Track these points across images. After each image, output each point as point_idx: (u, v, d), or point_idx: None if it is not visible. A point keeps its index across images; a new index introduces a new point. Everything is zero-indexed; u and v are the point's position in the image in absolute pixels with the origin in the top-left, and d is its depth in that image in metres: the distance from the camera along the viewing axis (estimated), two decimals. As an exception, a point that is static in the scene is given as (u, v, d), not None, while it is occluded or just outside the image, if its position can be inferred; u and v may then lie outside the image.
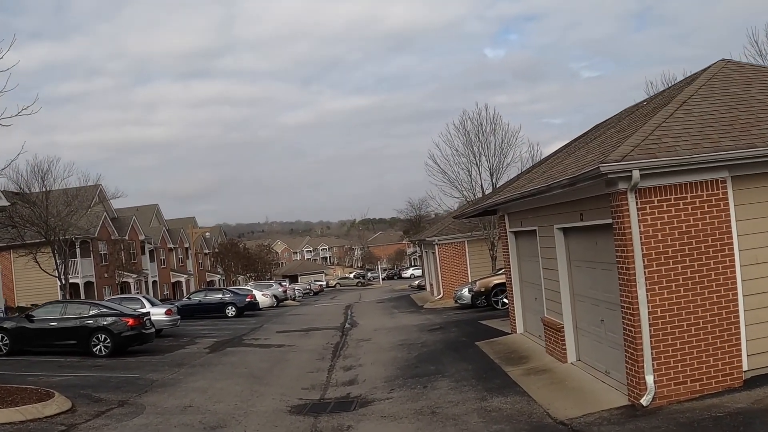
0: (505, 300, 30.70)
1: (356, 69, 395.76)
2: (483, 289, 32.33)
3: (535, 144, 67.30)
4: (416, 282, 75.85)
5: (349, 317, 39.51)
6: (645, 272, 11.18)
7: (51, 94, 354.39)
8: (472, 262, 42.72)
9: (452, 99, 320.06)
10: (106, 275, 59.00)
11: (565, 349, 15.28)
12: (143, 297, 32.53)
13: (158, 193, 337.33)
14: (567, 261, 15.20)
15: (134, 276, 63.32)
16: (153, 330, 25.71)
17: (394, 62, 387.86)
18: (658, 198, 11.35)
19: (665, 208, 11.35)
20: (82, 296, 53.63)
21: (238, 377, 18.91)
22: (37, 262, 42.81)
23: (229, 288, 53.54)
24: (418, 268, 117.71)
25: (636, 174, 10.88)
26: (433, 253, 45.89)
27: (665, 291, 11.23)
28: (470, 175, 42.10)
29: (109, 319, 23.87)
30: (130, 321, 23.94)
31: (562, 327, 15.30)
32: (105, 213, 62.10)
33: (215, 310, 43.82)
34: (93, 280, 57.79)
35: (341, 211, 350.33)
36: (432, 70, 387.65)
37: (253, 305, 45.47)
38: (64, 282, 42.80)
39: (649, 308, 11.15)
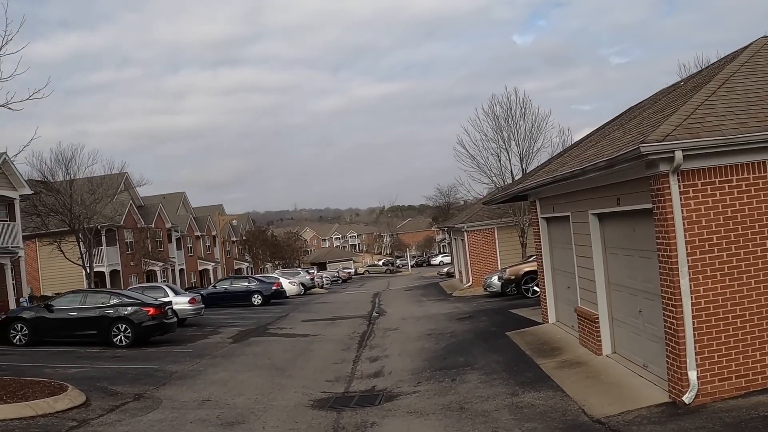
0: (535, 288, 29.94)
1: (385, 55, 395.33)
2: (513, 277, 31.57)
3: (566, 129, 66.06)
4: (445, 269, 75.12)
5: (376, 305, 38.92)
6: (688, 260, 10.41)
7: (80, 83, 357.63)
8: (501, 249, 41.91)
9: (481, 85, 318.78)
10: (132, 263, 58.78)
11: (599, 341, 14.53)
12: (166, 285, 32.14)
13: (187, 182, 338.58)
14: (602, 248, 14.44)
15: (160, 264, 63.08)
16: (175, 320, 25.24)
17: (423, 48, 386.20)
18: (702, 181, 10.57)
19: (709, 192, 10.56)
20: (108, 285, 53.44)
21: (260, 369, 18.35)
22: (61, 250, 42.58)
23: (255, 276, 53.16)
24: (447, 256, 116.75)
25: (679, 155, 10.10)
26: (462, 240, 45.13)
27: (709, 281, 10.46)
28: (500, 161, 41.25)
29: (130, 309, 23.43)
30: (151, 311, 23.49)
31: (597, 318, 14.54)
32: (131, 201, 61.87)
33: (241, 299, 43.41)
34: (119, 268, 57.56)
35: (370, 198, 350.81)
36: (461, 56, 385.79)
37: (280, 293, 45.01)
38: (89, 271, 42.55)
39: (692, 299, 10.39)
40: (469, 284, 42.77)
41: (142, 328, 23.20)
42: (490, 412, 11.77)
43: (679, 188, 10.46)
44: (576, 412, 11.11)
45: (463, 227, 42.68)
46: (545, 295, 19.78)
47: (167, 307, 24.66)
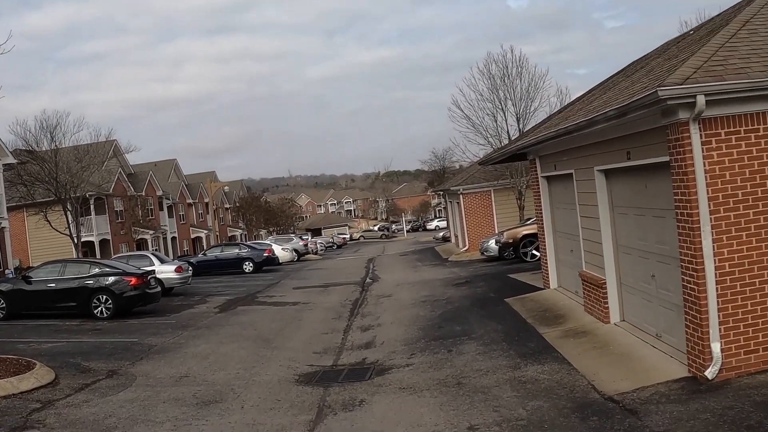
0: (534, 252, 28.97)
1: (381, 21, 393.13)
2: (511, 241, 30.49)
3: (564, 87, 64.74)
4: (441, 234, 74.20)
5: (370, 271, 37.87)
6: (711, 219, 9.27)
7: (77, 53, 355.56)
8: (498, 212, 40.78)
9: (477, 49, 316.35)
10: (122, 232, 57.67)
11: (607, 308, 13.47)
12: (152, 254, 31.03)
13: (182, 150, 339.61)
14: (609, 208, 13.32)
15: (151, 232, 61.98)
16: (158, 289, 24.20)
17: (418, 13, 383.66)
18: (726, 130, 9.39)
19: (734, 143, 9.39)
20: (98, 254, 52.42)
21: (245, 340, 17.31)
22: (47, 220, 41.41)
23: (247, 243, 51.99)
24: (442, 220, 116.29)
25: (701, 100, 8.92)
26: (457, 203, 43.97)
27: (734, 242, 9.33)
28: (495, 121, 40.00)
29: (111, 279, 22.41)
30: (133, 280, 22.44)
31: (604, 283, 13.47)
32: (120, 169, 60.63)
33: (232, 266, 42.38)
34: (108, 237, 56.49)
35: (366, 164, 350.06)
36: (456, 21, 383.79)
37: (272, 260, 43.93)
38: (76, 241, 41.43)
39: (715, 262, 9.27)
40: (465, 248, 41.70)
41: (124, 298, 22.17)
42: (490, 388, 10.70)
43: (701, 138, 9.30)
44: (585, 389, 10.03)
45: (459, 190, 41.48)
46: (546, 259, 18.71)
47: (150, 277, 23.58)
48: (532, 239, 29.45)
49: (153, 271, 24.62)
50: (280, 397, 11.61)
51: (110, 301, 21.97)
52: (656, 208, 11.05)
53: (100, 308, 21.92)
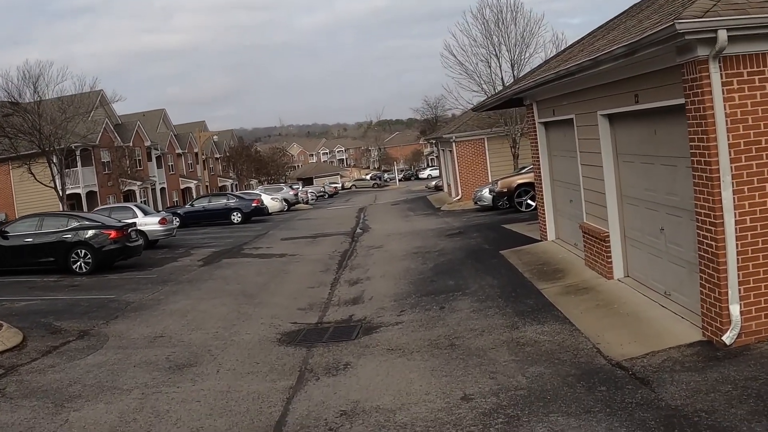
0: (529, 202, 28.15)
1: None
2: (505, 190, 29.56)
3: (560, 33, 63.12)
4: (433, 183, 73.48)
5: (361, 221, 36.99)
6: (732, 168, 8.35)
7: (69, 4, 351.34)
8: (492, 161, 39.83)
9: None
10: (109, 184, 56.45)
11: (610, 263, 12.62)
12: (135, 205, 30.04)
13: (174, 101, 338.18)
14: (613, 155, 12.41)
15: (139, 183, 60.85)
16: (140, 242, 23.35)
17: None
18: (748, 70, 8.42)
19: (757, 84, 8.42)
20: (84, 207, 51.37)
21: (226, 296, 16.48)
22: (32, 173, 40.24)
23: (235, 193, 50.98)
24: (435, 169, 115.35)
25: (723, 35, 7.94)
26: (450, 151, 42.97)
27: (756, 193, 8.42)
28: (489, 67, 38.71)
29: (90, 233, 21.49)
30: (113, 233, 21.54)
31: (607, 236, 12.60)
32: (107, 119, 59.35)
33: (220, 217, 41.49)
34: (95, 189, 55.40)
35: (358, 113, 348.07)
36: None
37: (260, 210, 42.99)
38: (61, 194, 40.40)
39: (736, 216, 8.37)
40: (458, 198, 40.83)
41: (103, 252, 21.31)
42: (486, 351, 9.88)
43: (721, 79, 8.33)
44: (590, 353, 9.19)
45: (452, 137, 40.43)
46: (544, 210, 17.83)
47: (131, 230, 22.65)
48: (527, 188, 28.62)
49: (134, 224, 23.69)
50: (260, 360, 10.80)
51: (89, 256, 21.13)
52: (667, 156, 10.14)
53: (78, 263, 21.07)
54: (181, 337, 12.66)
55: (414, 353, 10.28)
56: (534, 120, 17.53)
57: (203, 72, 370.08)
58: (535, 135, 17.64)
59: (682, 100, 8.90)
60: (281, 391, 9.16)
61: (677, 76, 8.92)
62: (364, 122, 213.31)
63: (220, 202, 42.70)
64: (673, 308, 10.14)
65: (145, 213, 29.26)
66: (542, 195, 17.77)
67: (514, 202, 29.17)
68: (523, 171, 31.64)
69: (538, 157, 17.65)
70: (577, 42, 18.12)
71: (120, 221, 23.73)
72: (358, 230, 31.30)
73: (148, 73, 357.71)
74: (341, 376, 9.59)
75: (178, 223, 40.29)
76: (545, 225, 17.77)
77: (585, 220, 14.03)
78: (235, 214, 41.34)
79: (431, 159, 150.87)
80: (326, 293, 16.15)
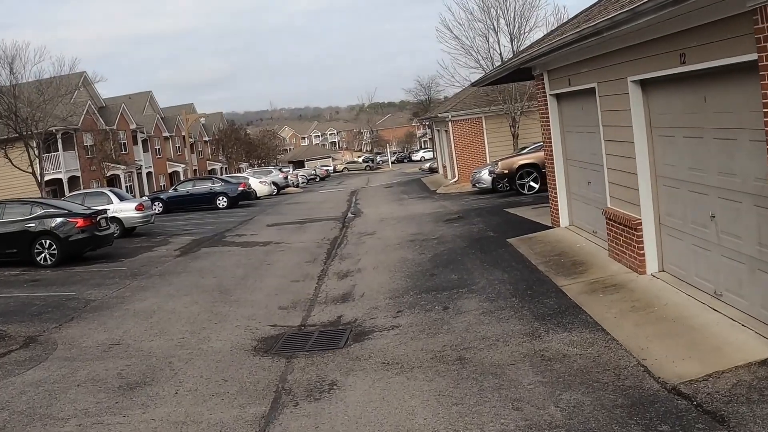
0: (532, 184, 26.36)
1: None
2: (506, 171, 27.64)
3: (562, 6, 61.02)
4: (427, 165, 71.58)
5: (352, 205, 35.08)
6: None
7: None
8: (490, 141, 37.88)
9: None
10: (92, 168, 54.32)
11: (642, 255, 10.76)
12: (110, 191, 28.04)
13: (166, 85, 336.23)
14: (647, 129, 10.53)
15: (123, 167, 58.80)
16: (111, 231, 21.54)
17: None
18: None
19: None
20: (66, 192, 49.34)
21: (200, 292, 14.62)
22: (8, 158, 38.23)
23: (220, 176, 49.01)
24: (428, 151, 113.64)
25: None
26: (446, 131, 40.99)
27: None
28: (488, 42, 36.65)
29: (55, 221, 19.60)
30: (80, 222, 19.71)
31: (639, 223, 10.74)
32: (89, 101, 57.25)
33: (205, 201, 39.54)
34: (78, 174, 53.36)
35: (351, 96, 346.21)
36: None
37: (247, 194, 41.04)
38: (39, 179, 38.45)
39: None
40: (454, 180, 38.90)
41: (70, 243, 19.47)
42: (504, 368, 8.01)
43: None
44: (636, 372, 7.31)
45: (448, 117, 38.40)
46: (555, 193, 15.95)
47: (100, 217, 20.72)
48: (530, 170, 26.83)
49: (104, 211, 21.70)
50: (229, 376, 8.94)
51: (54, 247, 19.31)
52: (722, 128, 8.27)
53: (43, 255, 19.32)
54: (141, 344, 10.79)
55: (415, 369, 8.42)
56: (545, 92, 15.63)
57: (195, 56, 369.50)
58: (546, 109, 15.75)
59: (751, 56, 7.00)
60: (250, 422, 7.33)
61: (745, 25, 7.03)
62: (356, 105, 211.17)
63: (205, 186, 40.65)
64: (728, 312, 8.29)
65: (121, 198, 27.30)
66: (554, 176, 15.90)
67: (515, 184, 27.29)
68: (525, 151, 29.76)
69: (550, 135, 15.75)
70: (595, 5, 16.16)
71: (89, 208, 21.80)
72: (350, 215, 29.41)
73: (140, 57, 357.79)
74: (325, 401, 7.72)
75: (160, 208, 38.86)
76: (557, 210, 15.90)
77: (609, 205, 12.16)
78: (220, 198, 39.37)
79: (424, 141, 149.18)
80: (312, 288, 14.28)
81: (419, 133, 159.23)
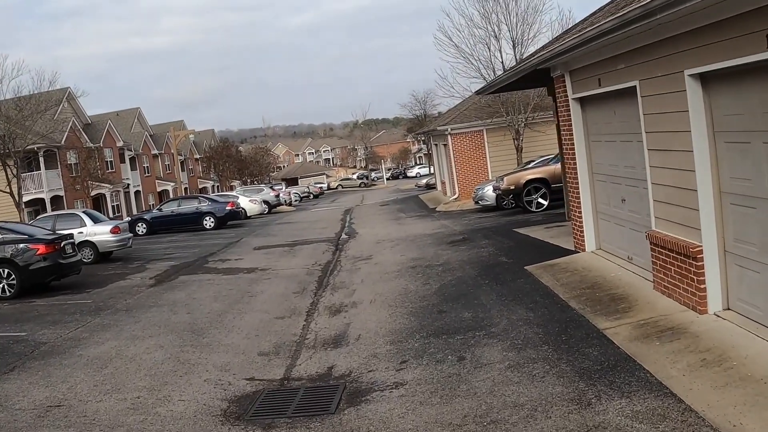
0: (541, 200, 24.35)
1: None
2: (512, 187, 25.58)
3: (567, 11, 59.10)
4: (424, 181, 69.77)
5: (347, 225, 32.98)
6: None
7: (56, 8, 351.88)
8: (492, 155, 35.84)
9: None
10: (77, 187, 52.11)
11: (703, 290, 8.69)
12: (83, 212, 25.87)
13: (161, 103, 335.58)
14: (709, 134, 8.47)
15: (109, 186, 56.69)
16: (77, 258, 19.44)
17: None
18: None
19: None
20: (49, 212, 47.25)
21: (169, 332, 12.52)
22: (-16, 177, 36.23)
23: (208, 195, 46.84)
24: (424, 167, 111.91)
25: None
26: (444, 145, 38.92)
27: None
28: (489, 49, 34.57)
29: (15, 248, 17.50)
30: (41, 248, 17.63)
31: (700, 251, 8.67)
32: (73, 118, 55.25)
33: (191, 222, 37.38)
34: (61, 193, 51.33)
35: (345, 113, 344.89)
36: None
37: (235, 214, 38.90)
38: (18, 199, 36.36)
39: None
40: (454, 197, 36.81)
41: (30, 272, 17.44)
42: (551, 455, 5.92)
43: None
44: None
45: (447, 130, 36.32)
46: (579, 212, 13.86)
47: (65, 243, 18.60)
48: (538, 185, 24.82)
49: (70, 236, 19.58)
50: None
51: (13, 276, 17.21)
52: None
53: (1, 285, 17.13)
54: (86, 407, 8.69)
55: (429, 454, 6.31)
56: (566, 97, 13.59)
57: (189, 74, 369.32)
58: (567, 116, 13.70)
59: None
60: None
61: None
62: (350, 122, 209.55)
63: (191, 205, 38.44)
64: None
65: (95, 220, 25.15)
66: (577, 193, 13.84)
67: (522, 201, 25.26)
68: (531, 165, 27.75)
69: (572, 145, 13.70)
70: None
71: (53, 233, 19.70)
72: (344, 236, 27.32)
73: (133, 76, 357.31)
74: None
75: (144, 230, 36.78)
76: (581, 231, 13.83)
77: (655, 228, 10.10)
78: (207, 218, 37.22)
79: (419, 157, 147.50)
80: (299, 327, 12.17)
81: (414, 149, 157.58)
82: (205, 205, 38.02)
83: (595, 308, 9.95)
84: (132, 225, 37.40)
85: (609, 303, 10.09)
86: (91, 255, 23.99)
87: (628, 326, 8.94)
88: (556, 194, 24.79)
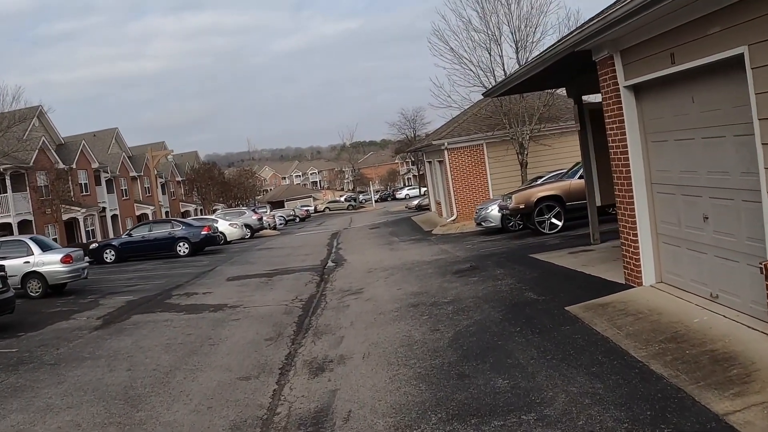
0: (554, 221, 21.33)
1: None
2: (522, 206, 22.42)
3: (575, 11, 56.52)
4: (415, 202, 66.74)
5: (333, 250, 29.72)
6: None
7: (46, 33, 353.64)
8: (493, 172, 32.61)
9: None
10: (49, 211, 48.68)
11: None
12: (30, 239, 22.47)
13: (148, 127, 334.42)
14: None
15: (82, 210, 53.31)
16: (9, 294, 16.04)
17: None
18: None
19: None
20: (15, 237, 43.95)
21: (96, 400, 9.33)
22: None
23: (181, 219, 43.51)
24: (413, 188, 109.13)
25: None
26: (440, 161, 35.72)
27: None
28: (490, 53, 31.35)
29: None
30: (-45, 284, 14.29)
31: None
32: (44, 138, 52.01)
33: (164, 248, 34.06)
34: (30, 218, 48.00)
35: (332, 136, 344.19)
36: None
37: (212, 239, 35.51)
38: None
39: None
40: (452, 218, 33.56)
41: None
42: None
43: None
44: None
45: (443, 144, 33.02)
46: (634, 235, 10.68)
47: (-7, 276, 15.38)
48: (552, 203, 21.73)
49: (2, 267, 16.29)
50: None
51: (-76, 318, 13.95)
52: None
53: None
54: None
55: None
56: (615, 84, 10.47)
57: (176, 98, 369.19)
58: (616, 110, 10.59)
59: None
60: None
61: None
62: (337, 144, 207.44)
63: (164, 230, 35.02)
64: None
65: (44, 248, 21.83)
66: (630, 210, 10.70)
67: (534, 221, 22.12)
68: (540, 181, 24.72)
69: (624, 148, 10.55)
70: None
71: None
72: (330, 263, 24.10)
73: (120, 100, 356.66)
74: None
75: (113, 257, 33.59)
76: (636, 259, 10.67)
77: (778, 257, 6.99)
78: (181, 244, 33.89)
79: (408, 178, 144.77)
80: (268, 395, 8.97)
81: (402, 170, 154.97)
82: (179, 230, 34.68)
83: (695, 376, 6.78)
84: (99, 252, 34.28)
85: (712, 367, 6.92)
86: (39, 288, 20.77)
87: (761, 410, 5.79)
88: (572, 213, 21.79)
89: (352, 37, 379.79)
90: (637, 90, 10.18)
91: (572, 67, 12.95)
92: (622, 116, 10.37)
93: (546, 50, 12.29)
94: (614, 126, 10.69)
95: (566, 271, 13.69)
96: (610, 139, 10.89)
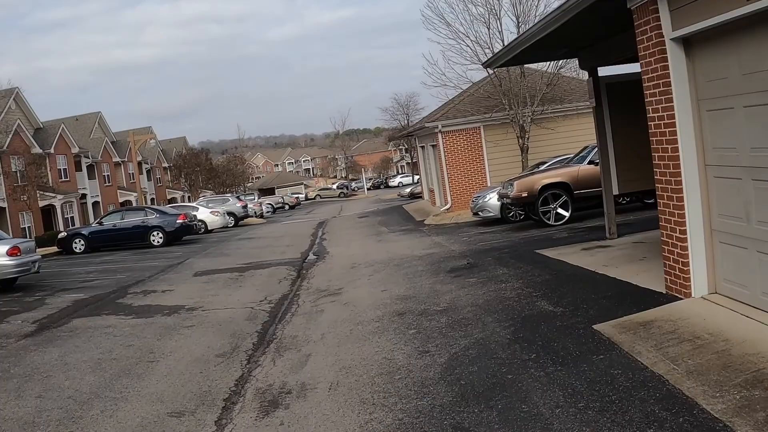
0: (561, 211, 19.04)
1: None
2: (525, 194, 20.05)
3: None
4: (407, 190, 64.57)
5: (317, 241, 27.40)
6: None
7: (41, 20, 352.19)
8: (491, 157, 30.27)
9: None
10: (24, 198, 46.17)
11: None
12: (-26, 229, 20.22)
13: (146, 113, 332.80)
14: None
15: (60, 197, 50.88)
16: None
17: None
18: None
19: None
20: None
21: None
22: None
23: (156, 207, 41.11)
24: (406, 176, 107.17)
25: None
26: (434, 146, 33.35)
27: None
28: (489, 28, 28.88)
29: None
30: None
31: None
32: (18, 121, 49.61)
33: (137, 237, 31.70)
34: (4, 205, 45.62)
35: (325, 124, 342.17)
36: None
37: (188, 228, 33.06)
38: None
39: None
40: (446, 207, 31.21)
41: None
42: None
43: None
44: None
45: (437, 127, 30.58)
46: (682, 231, 8.31)
47: None
48: (557, 191, 19.44)
49: None
50: None
51: None
52: None
53: None
54: None
55: None
56: (659, 37, 8.09)
57: (174, 85, 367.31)
58: (660, 70, 8.21)
59: None
60: None
61: None
62: (331, 132, 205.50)
63: (137, 218, 32.54)
64: None
65: (-12, 239, 19.51)
66: (676, 198, 8.34)
67: (537, 211, 19.81)
68: (543, 167, 22.43)
69: (671, 117, 8.17)
70: None
71: None
72: (311, 256, 21.78)
73: (120, 87, 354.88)
74: None
75: (82, 247, 31.31)
76: (684, 262, 8.30)
77: None
78: (155, 233, 31.53)
79: (401, 166, 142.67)
80: (203, 439, 6.69)
81: (395, 157, 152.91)
82: (152, 218, 32.23)
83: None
84: (68, 241, 31.97)
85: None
86: (-18, 284, 18.45)
87: None
88: (580, 203, 19.53)
89: (346, 25, 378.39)
90: (689, 43, 7.84)
91: (593, 27, 10.65)
92: (668, 78, 8.00)
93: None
94: (656, 92, 8.30)
95: (585, 273, 11.35)
96: (650, 108, 8.50)
